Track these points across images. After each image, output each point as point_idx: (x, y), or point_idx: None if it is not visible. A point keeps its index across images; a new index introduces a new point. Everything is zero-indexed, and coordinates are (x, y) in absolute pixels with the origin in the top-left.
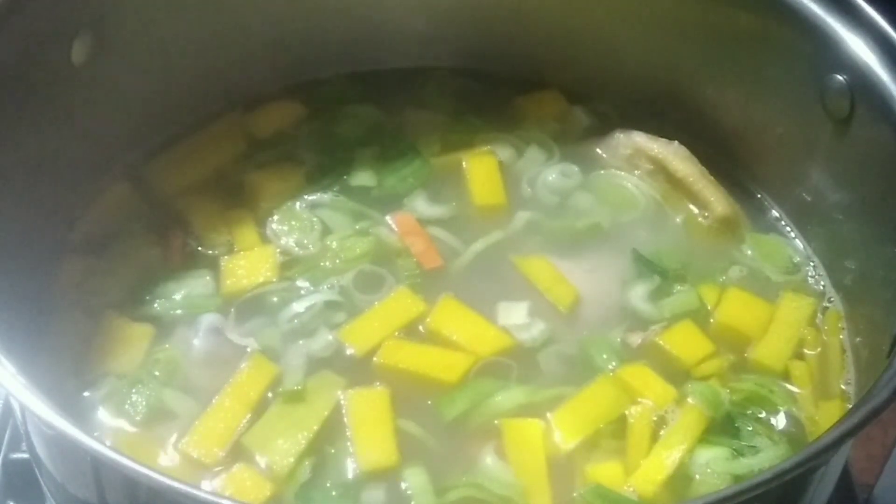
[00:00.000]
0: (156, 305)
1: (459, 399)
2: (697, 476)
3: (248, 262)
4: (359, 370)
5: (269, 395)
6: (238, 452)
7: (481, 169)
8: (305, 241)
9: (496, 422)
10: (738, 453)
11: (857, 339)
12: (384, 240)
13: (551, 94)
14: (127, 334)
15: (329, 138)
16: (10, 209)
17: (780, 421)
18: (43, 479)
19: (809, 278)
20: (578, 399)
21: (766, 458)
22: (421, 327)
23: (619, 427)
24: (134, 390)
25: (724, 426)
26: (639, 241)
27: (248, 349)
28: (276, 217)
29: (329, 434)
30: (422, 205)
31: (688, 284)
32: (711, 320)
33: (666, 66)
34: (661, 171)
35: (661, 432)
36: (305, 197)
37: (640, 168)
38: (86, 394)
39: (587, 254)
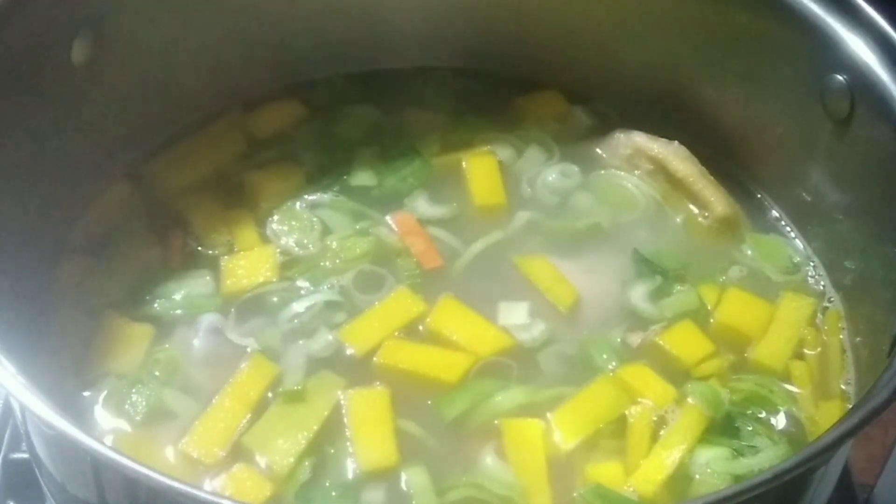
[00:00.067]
0: (156, 305)
1: (459, 399)
2: (697, 476)
3: (248, 262)
4: (359, 370)
5: (269, 395)
6: (238, 452)
7: (481, 169)
8: (305, 241)
9: (496, 422)
10: (738, 453)
11: (857, 339)
12: (384, 240)
13: (551, 94)
14: (127, 334)
15: (329, 138)
16: (10, 209)
17: (780, 421)
18: (43, 479)
19: (809, 278)
20: (578, 399)
21: (766, 458)
22: (421, 327)
23: (619, 427)
24: (134, 390)
25: (724, 426)
26: (639, 241)
27: (248, 349)
28: (276, 217)
29: (329, 434)
30: (422, 205)
31: (688, 284)
32: (711, 320)
33: (666, 66)
34: (661, 171)
35: (661, 432)
36: (305, 197)
37: (640, 168)
38: (86, 394)
39: (587, 254)
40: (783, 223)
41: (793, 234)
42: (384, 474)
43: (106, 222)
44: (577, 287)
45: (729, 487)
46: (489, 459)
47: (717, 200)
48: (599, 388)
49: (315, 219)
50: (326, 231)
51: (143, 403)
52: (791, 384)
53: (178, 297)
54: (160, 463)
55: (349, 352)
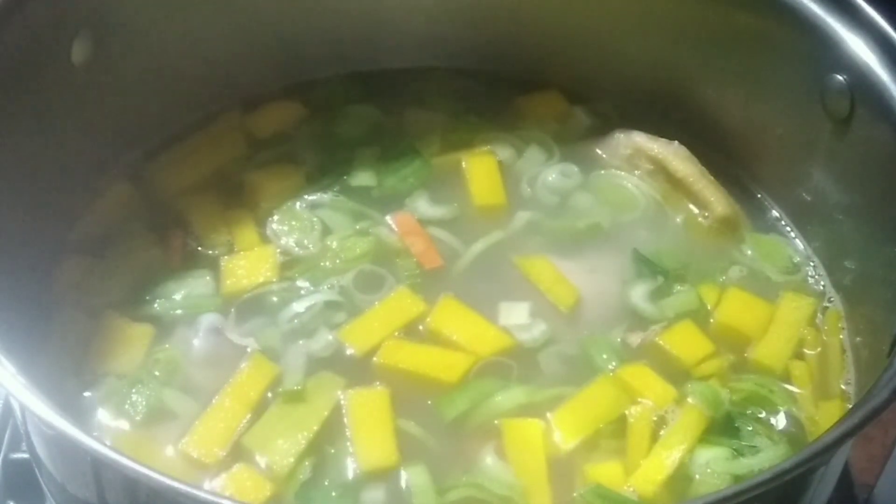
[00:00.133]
0: (156, 305)
1: (459, 399)
2: (697, 476)
3: (248, 262)
4: (359, 370)
5: (269, 395)
6: (238, 452)
7: (481, 169)
8: (305, 241)
9: (496, 422)
10: (738, 453)
11: (857, 339)
12: (384, 240)
13: (551, 94)
14: (127, 334)
15: (329, 138)
16: (10, 209)
17: (780, 421)
18: (43, 479)
19: (809, 278)
20: (578, 399)
21: (766, 458)
22: (421, 327)
23: (619, 427)
24: (134, 390)
25: (724, 426)
26: (639, 241)
27: (248, 349)
28: (276, 217)
29: (329, 434)
30: (423, 205)
31: (688, 284)
32: (711, 320)
33: (666, 66)
34: (661, 171)
35: (661, 432)
36: (305, 197)
37: (640, 168)
38: (86, 394)
39: (587, 254)
40: (783, 223)
41: (793, 234)
42: (384, 474)
43: (106, 222)
44: (577, 287)
45: (729, 487)
46: (489, 459)
47: (717, 200)
48: (599, 388)
49: (315, 219)
50: (326, 231)
51: (143, 403)
52: (791, 384)
53: (178, 297)
54: (160, 463)
55: (349, 352)
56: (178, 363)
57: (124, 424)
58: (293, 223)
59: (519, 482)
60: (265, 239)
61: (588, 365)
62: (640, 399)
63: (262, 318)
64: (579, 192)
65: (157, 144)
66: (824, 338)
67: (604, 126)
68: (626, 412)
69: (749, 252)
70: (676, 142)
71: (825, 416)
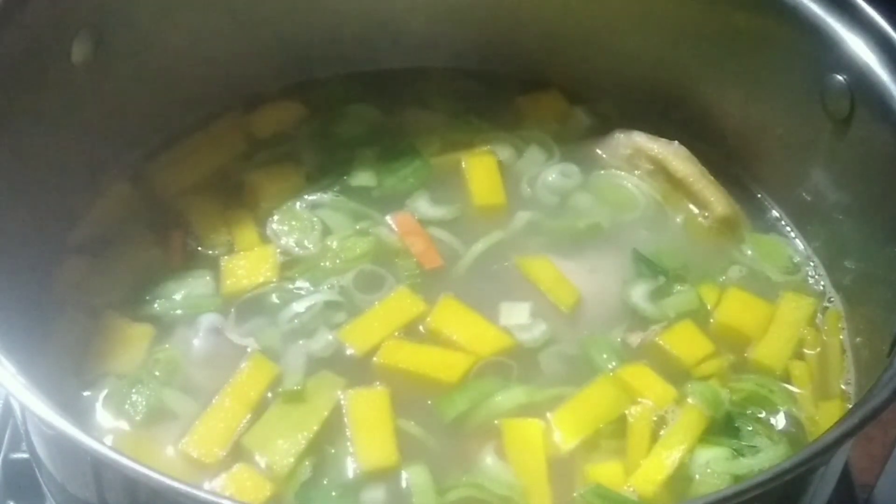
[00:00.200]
0: (156, 305)
1: (459, 399)
2: (697, 476)
3: (248, 262)
4: (359, 370)
5: (269, 395)
6: (238, 452)
7: (481, 169)
8: (305, 242)
9: (496, 422)
10: (738, 453)
11: (857, 339)
12: (384, 240)
13: (551, 94)
14: (127, 334)
15: (329, 138)
16: (10, 209)
17: (780, 421)
18: (43, 479)
19: (809, 278)
20: (578, 399)
21: (766, 458)
22: (421, 327)
23: (619, 427)
24: (134, 390)
25: (724, 426)
26: (639, 241)
27: (248, 349)
28: (276, 217)
29: (329, 434)
30: (424, 205)
31: (688, 284)
32: (711, 320)
33: (666, 66)
34: (661, 171)
35: (661, 432)
36: (305, 197)
37: (640, 168)
38: (86, 394)
39: (587, 254)
40: (783, 223)
41: (793, 234)
42: (384, 474)
43: (106, 222)
44: (578, 287)
45: (729, 487)
46: (489, 459)
47: (717, 200)
48: (599, 388)
49: (315, 219)
50: (326, 231)
51: (143, 403)
52: (791, 384)
53: (178, 297)
54: (160, 463)
55: (349, 352)
56: (178, 363)
57: (124, 424)
58: (293, 223)
59: (519, 482)
60: (265, 239)
61: (588, 365)
62: (640, 399)
63: (262, 318)
64: (579, 192)
65: (157, 144)
66: (824, 338)
67: (604, 126)
68: (626, 412)
69: (749, 252)
70: (676, 142)
71: (825, 416)
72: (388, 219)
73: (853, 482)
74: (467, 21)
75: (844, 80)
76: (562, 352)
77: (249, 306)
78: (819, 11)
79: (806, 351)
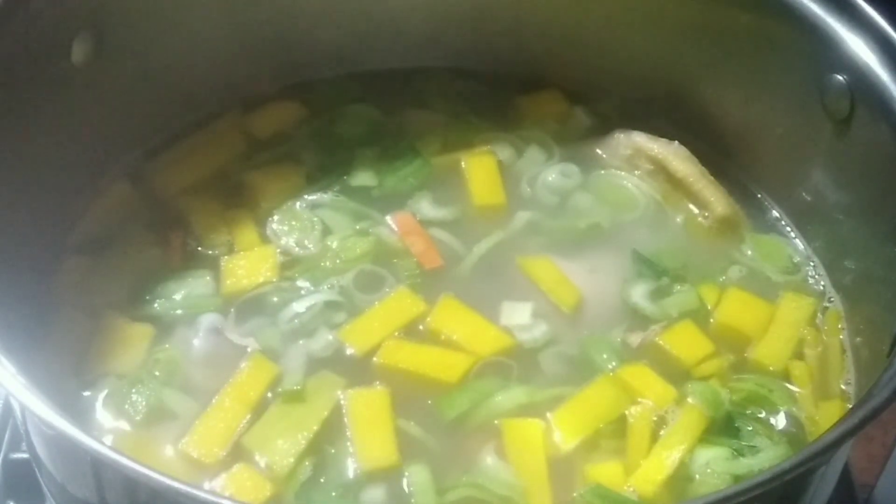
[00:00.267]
0: (156, 305)
1: (459, 399)
2: (697, 476)
3: (248, 262)
4: (359, 370)
5: (269, 395)
6: (238, 452)
7: (481, 169)
8: (305, 241)
9: (496, 422)
10: (738, 453)
11: (857, 339)
12: (384, 240)
13: (551, 94)
14: (127, 334)
15: (329, 138)
16: (11, 209)
17: (780, 421)
18: (43, 479)
19: (809, 278)
20: (578, 399)
21: (766, 458)
22: (421, 327)
23: (619, 427)
24: (134, 390)
25: (724, 426)
26: (639, 241)
27: (248, 349)
28: (276, 217)
29: (329, 434)
30: (425, 206)
31: (688, 284)
32: (711, 320)
33: (666, 66)
34: (661, 171)
35: (661, 432)
36: (305, 197)
37: (640, 168)
38: (86, 394)
39: (587, 254)
40: (783, 223)
41: (793, 234)
42: (384, 474)
43: (106, 222)
44: (579, 288)
45: (729, 487)
46: (489, 459)
47: (717, 200)
48: (599, 388)
49: (315, 219)
50: (327, 231)
51: (143, 403)
52: (791, 384)
53: (178, 297)
54: (160, 463)
55: (349, 352)
56: (178, 363)
57: (124, 424)
58: (293, 223)
59: (519, 482)
60: (265, 239)
61: (588, 365)
62: (640, 399)
63: (262, 318)
64: (579, 192)
65: (157, 144)
66: (824, 338)
67: (604, 126)
68: (626, 412)
69: (749, 252)
70: (676, 142)
71: (825, 416)
72: (388, 219)
73: (853, 482)
74: (467, 21)
75: (844, 80)
76: (562, 352)
77: (249, 306)
78: (819, 11)
79: (806, 351)
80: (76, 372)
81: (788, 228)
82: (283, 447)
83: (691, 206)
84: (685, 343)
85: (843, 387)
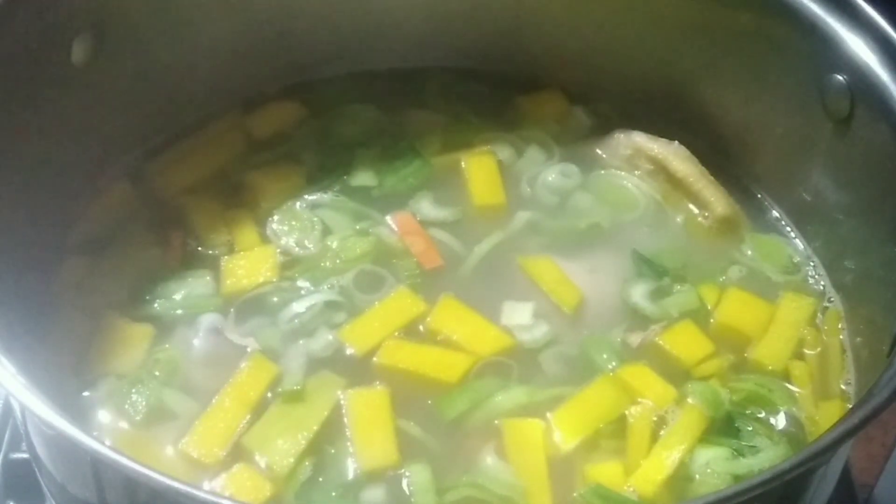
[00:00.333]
0: (156, 305)
1: (459, 399)
2: (697, 476)
3: (248, 262)
4: (359, 370)
5: (269, 395)
6: (238, 452)
7: (481, 169)
8: (306, 241)
9: (496, 422)
10: (738, 453)
11: (857, 339)
12: (384, 240)
13: (551, 94)
14: (127, 334)
15: (329, 138)
16: (10, 209)
17: (780, 421)
18: (43, 479)
19: (809, 278)
20: (578, 399)
21: (766, 458)
22: (421, 327)
23: (619, 427)
24: (134, 390)
25: (724, 426)
26: (639, 241)
27: (248, 349)
28: (276, 217)
29: (329, 434)
30: (426, 206)
31: (688, 284)
32: (711, 320)
33: (666, 66)
34: (661, 171)
35: (661, 432)
36: (305, 197)
37: (640, 168)
38: (86, 394)
39: (587, 254)
40: (783, 223)
41: (793, 234)
42: (384, 474)
43: (106, 222)
44: (579, 288)
45: (729, 487)
46: (489, 459)
47: (717, 200)
48: (599, 388)
49: (315, 219)
50: (327, 231)
51: (143, 403)
52: (791, 384)
53: (178, 297)
54: (160, 463)
55: (349, 352)
56: (178, 363)
57: (124, 424)
58: (293, 223)
59: (519, 482)
60: (265, 239)
61: (588, 365)
62: (640, 399)
63: (262, 318)
64: (579, 192)
65: (157, 144)
66: (824, 338)
67: (604, 126)
68: (626, 412)
69: (749, 252)
70: (676, 142)
71: (825, 416)
72: (388, 219)
73: (853, 482)
74: (467, 21)
75: (844, 80)
76: (562, 352)
77: (249, 306)
78: (819, 11)
79: (806, 351)
80: (76, 372)
81: (788, 228)
82: (283, 447)
83: (691, 206)
84: (685, 343)
85: (843, 387)
